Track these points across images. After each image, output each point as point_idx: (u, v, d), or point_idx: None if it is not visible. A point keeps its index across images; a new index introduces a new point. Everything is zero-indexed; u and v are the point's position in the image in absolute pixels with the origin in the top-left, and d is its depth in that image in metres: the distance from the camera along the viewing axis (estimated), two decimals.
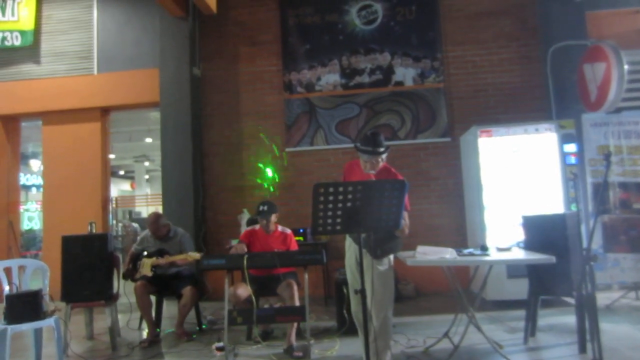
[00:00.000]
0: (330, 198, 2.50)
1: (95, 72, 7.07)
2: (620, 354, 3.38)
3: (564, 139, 5.14)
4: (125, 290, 4.53)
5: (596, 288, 4.91)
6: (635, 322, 4.26)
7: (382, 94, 6.52)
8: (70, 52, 7.16)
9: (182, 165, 6.44)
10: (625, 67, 5.08)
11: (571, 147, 5.13)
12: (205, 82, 6.82)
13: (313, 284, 5.53)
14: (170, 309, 5.47)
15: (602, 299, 4.90)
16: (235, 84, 6.79)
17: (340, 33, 6.62)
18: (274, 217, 4.32)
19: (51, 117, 7.11)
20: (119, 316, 4.61)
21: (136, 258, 4.59)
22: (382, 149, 3.05)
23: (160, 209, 6.89)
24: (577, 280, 3.45)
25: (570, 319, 4.01)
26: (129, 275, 4.52)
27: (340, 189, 2.51)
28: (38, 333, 3.77)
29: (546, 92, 6.22)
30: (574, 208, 4.66)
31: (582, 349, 3.45)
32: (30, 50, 7.20)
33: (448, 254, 3.22)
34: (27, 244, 12.39)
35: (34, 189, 15.28)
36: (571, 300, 4.02)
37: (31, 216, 14.42)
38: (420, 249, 3.24)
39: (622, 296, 4.94)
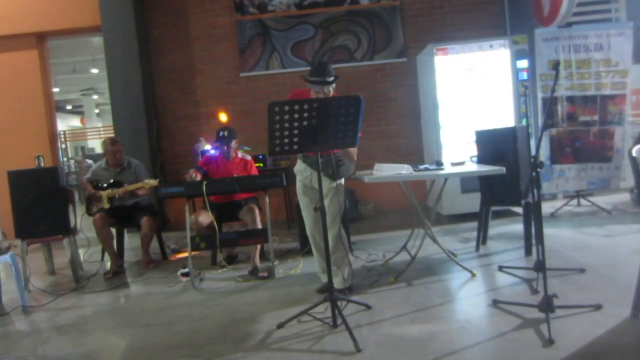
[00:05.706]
0: (286, 117, 2.46)
1: None
2: (560, 254, 3.69)
3: (517, 55, 5.21)
4: (82, 225, 4.43)
5: (542, 198, 5.26)
6: (575, 226, 4.62)
7: (337, 13, 6.26)
8: None
9: (133, 94, 6.12)
10: None
11: (523, 63, 5.21)
12: (150, 2, 6.31)
13: (275, 209, 5.59)
14: (132, 241, 5.46)
15: (548, 207, 5.26)
16: (183, 3, 6.33)
17: None
18: (234, 143, 4.25)
19: None
20: (80, 251, 4.55)
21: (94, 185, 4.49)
22: (331, 79, 2.97)
23: None
24: (525, 189, 3.65)
25: (518, 228, 4.30)
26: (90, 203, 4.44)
27: (296, 107, 2.46)
28: None
29: (501, 9, 6.16)
30: (525, 123, 4.82)
31: (528, 252, 3.75)
32: None
33: (404, 170, 3.29)
34: None
35: None
36: (519, 210, 4.29)
37: None
38: (377, 166, 3.30)
39: (565, 204, 5.31)
